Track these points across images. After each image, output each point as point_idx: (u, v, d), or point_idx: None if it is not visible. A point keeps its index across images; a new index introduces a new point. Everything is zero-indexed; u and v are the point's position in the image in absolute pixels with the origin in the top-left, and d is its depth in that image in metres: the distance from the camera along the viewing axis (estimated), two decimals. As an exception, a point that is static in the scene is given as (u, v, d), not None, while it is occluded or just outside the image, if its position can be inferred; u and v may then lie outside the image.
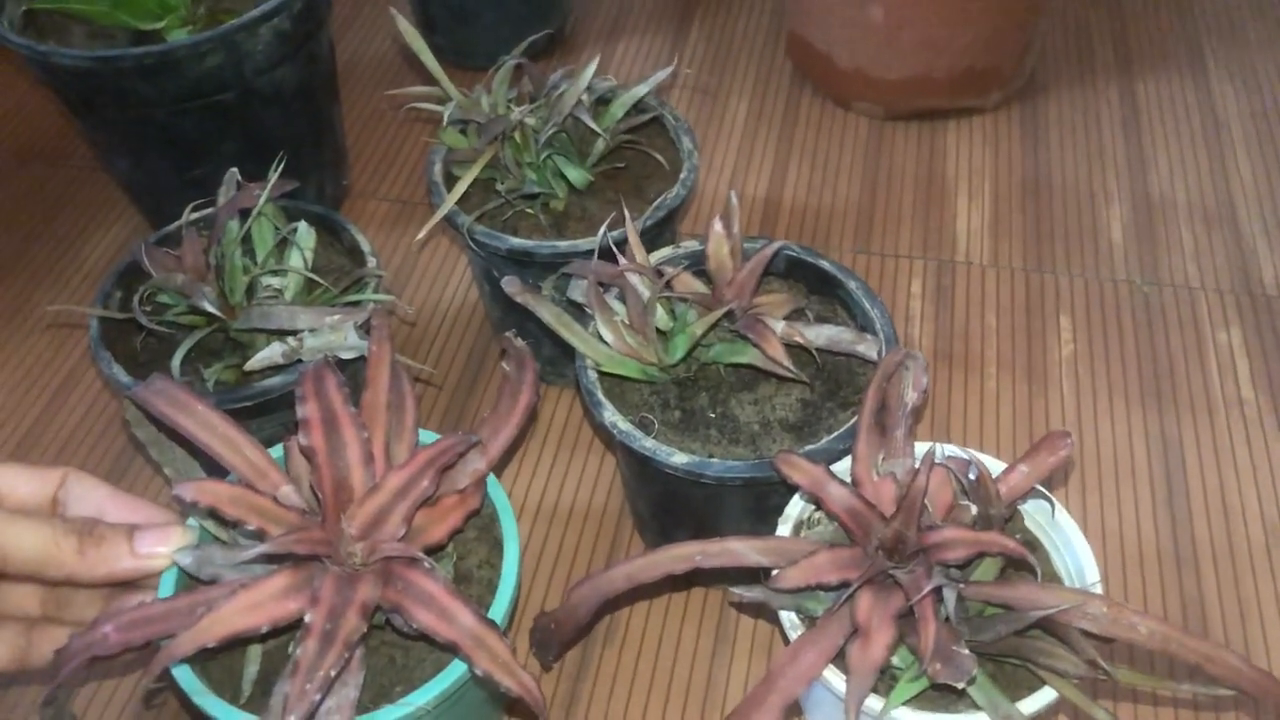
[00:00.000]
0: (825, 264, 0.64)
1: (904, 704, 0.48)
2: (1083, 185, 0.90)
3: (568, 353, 0.62)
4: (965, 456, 0.53)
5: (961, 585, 0.49)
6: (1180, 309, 0.80)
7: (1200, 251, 0.84)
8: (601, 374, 0.60)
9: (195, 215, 0.66)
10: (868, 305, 0.61)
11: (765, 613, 0.64)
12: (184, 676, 0.49)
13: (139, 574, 0.49)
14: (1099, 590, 0.51)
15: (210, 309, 0.61)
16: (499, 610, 0.51)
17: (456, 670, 0.49)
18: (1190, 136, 0.93)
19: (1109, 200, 0.88)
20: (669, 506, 0.63)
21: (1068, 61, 1.01)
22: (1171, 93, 0.97)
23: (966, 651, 0.46)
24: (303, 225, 0.66)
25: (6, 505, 0.50)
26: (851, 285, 0.62)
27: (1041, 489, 0.54)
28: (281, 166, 0.65)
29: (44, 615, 0.52)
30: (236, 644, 0.49)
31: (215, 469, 0.53)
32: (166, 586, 0.52)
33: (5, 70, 1.02)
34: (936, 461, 0.52)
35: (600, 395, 0.59)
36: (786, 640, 0.51)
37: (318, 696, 0.44)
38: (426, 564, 0.49)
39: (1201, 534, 0.67)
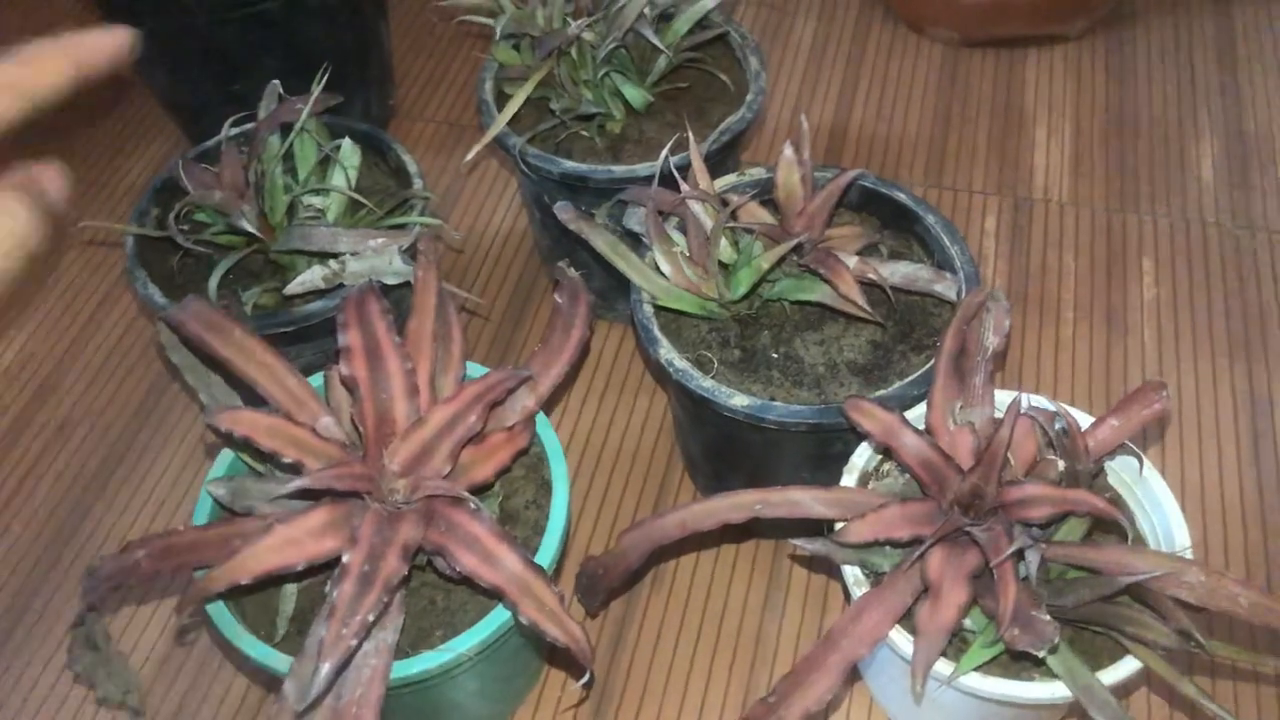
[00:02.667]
0: (902, 196, 0.59)
1: (974, 669, 0.45)
2: (1171, 120, 0.84)
3: (621, 285, 0.58)
4: (1052, 407, 0.49)
5: (1045, 546, 0.45)
6: (1275, 255, 0.75)
7: (1298, 194, 0.78)
8: (658, 308, 0.57)
9: (235, 131, 0.63)
10: (947, 241, 0.57)
11: (823, 566, 0.61)
12: (218, 613, 0.47)
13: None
14: (1190, 556, 0.47)
15: (249, 228, 0.58)
16: (546, 555, 0.48)
17: (500, 617, 0.46)
18: (1290, 70, 0.87)
19: (1199, 137, 0.83)
20: (723, 450, 0.60)
21: (1159, -13, 0.94)
22: (1272, 22, 0.90)
23: (1047, 618, 0.43)
24: (347, 142, 0.63)
25: None
26: (930, 220, 0.58)
27: (1131, 444, 0.50)
28: (325, 80, 0.62)
29: None
30: (271, 581, 0.46)
31: (252, 397, 0.50)
32: (200, 516, 0.50)
33: (44, -22, 0.99)
34: (1020, 412, 0.48)
35: (656, 331, 0.55)
36: (848, 597, 0.48)
37: (354, 641, 0.41)
38: (472, 504, 0.46)
39: (1291, 496, 0.63)
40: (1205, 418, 0.67)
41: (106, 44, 0.34)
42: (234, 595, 0.47)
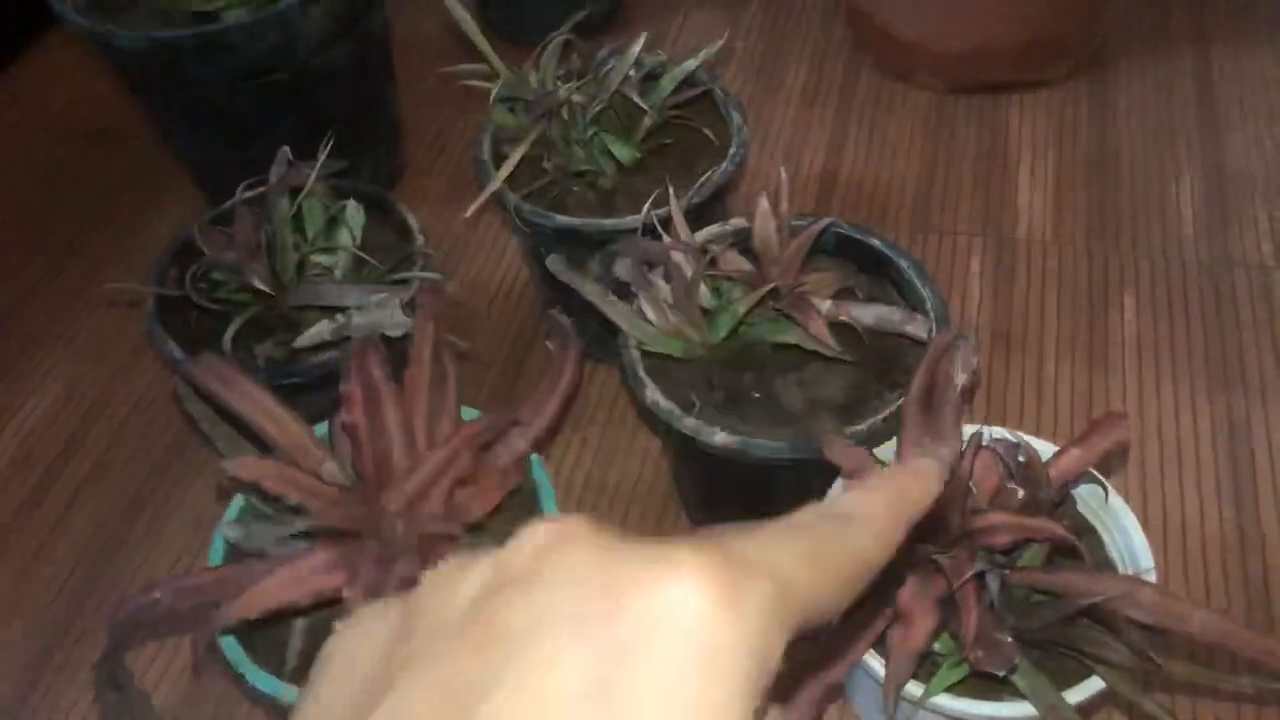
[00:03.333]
0: (875, 242, 0.62)
1: (945, 690, 0.47)
2: (1152, 161, 0.87)
3: (613, 331, 0.61)
4: (1013, 439, 0.51)
5: (1006, 571, 0.48)
6: (1254, 290, 0.77)
7: (1276, 230, 0.81)
8: (644, 353, 0.60)
9: (249, 194, 0.67)
10: (919, 284, 0.60)
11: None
12: (229, 647, 0.50)
13: None
14: (1153, 579, 0.49)
15: (261, 286, 0.62)
16: (538, 588, 0.51)
17: (494, 647, 0.49)
18: (1269, 111, 0.89)
19: (1179, 177, 0.85)
20: (714, 486, 0.63)
21: (1139, 32, 0.97)
22: (1249, 64, 0.93)
23: (1009, 639, 0.45)
24: (351, 203, 0.67)
25: None
26: (903, 264, 0.61)
27: (1094, 473, 0.52)
28: (331, 144, 0.66)
29: None
30: (280, 616, 0.49)
31: (264, 444, 0.54)
32: (215, 557, 0.53)
33: (73, 52, 1.04)
34: (982, 444, 0.50)
35: (643, 373, 0.58)
36: (827, 624, 0.50)
37: (356, 671, 0.44)
38: (465, 540, 0.49)
39: (1270, 524, 0.65)
40: (1185, 450, 0.69)
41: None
42: (245, 631, 0.50)
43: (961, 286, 0.79)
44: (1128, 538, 0.52)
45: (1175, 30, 0.97)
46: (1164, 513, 0.66)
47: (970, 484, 0.49)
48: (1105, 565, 0.52)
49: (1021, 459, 0.50)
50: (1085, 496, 0.54)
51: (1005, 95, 0.92)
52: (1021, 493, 0.49)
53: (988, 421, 0.71)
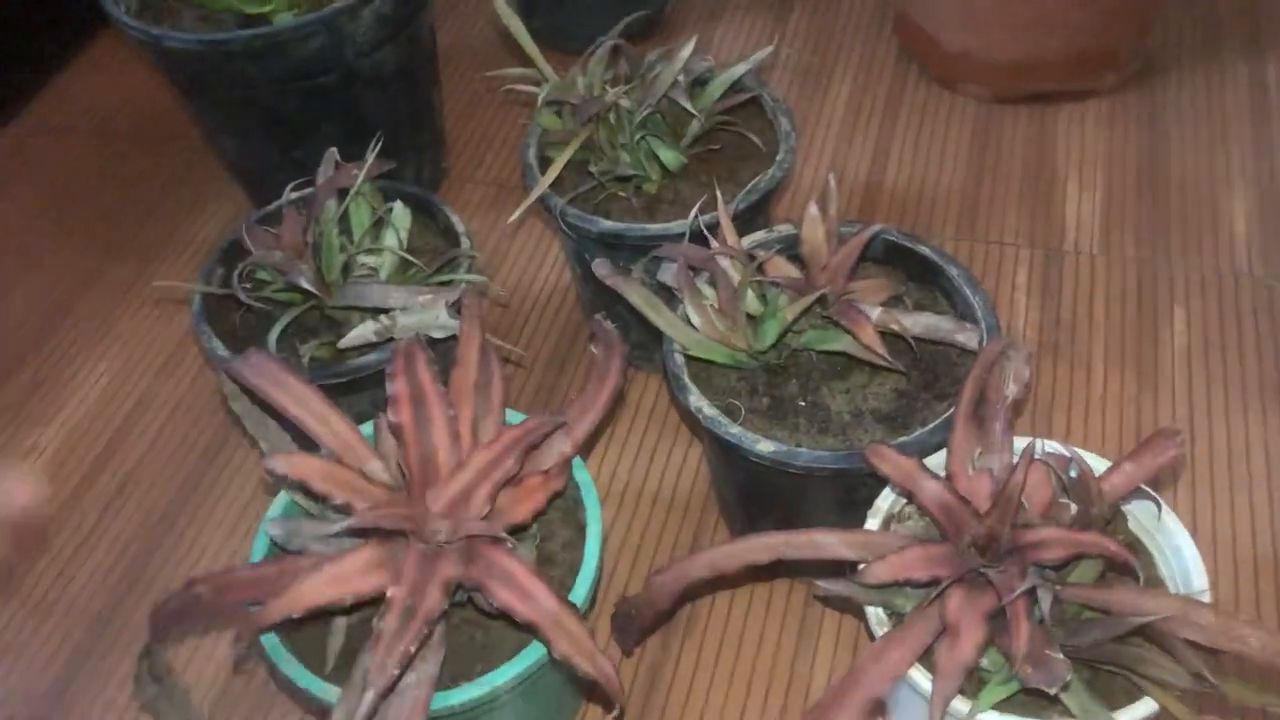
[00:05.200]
0: (925, 249, 0.62)
1: (992, 707, 0.47)
2: (1203, 173, 0.85)
3: (657, 337, 0.61)
4: (1066, 453, 0.50)
5: (1057, 587, 0.47)
6: (1307, 305, 0.75)
7: (1331, 244, 0.79)
8: (689, 358, 0.59)
9: (295, 195, 0.67)
10: (969, 293, 0.59)
11: (851, 607, 0.63)
12: (271, 644, 0.50)
13: None
14: (1207, 598, 0.48)
15: (306, 286, 0.62)
16: (580, 593, 0.51)
17: (535, 652, 0.49)
18: (1324, 122, 0.88)
19: (1232, 189, 0.84)
20: (755, 494, 0.62)
21: (1191, 42, 0.96)
22: (1305, 75, 0.92)
23: (1060, 656, 0.44)
24: (398, 205, 0.67)
25: None
26: (952, 272, 0.60)
27: (1147, 489, 0.51)
28: (379, 147, 0.66)
29: None
30: (322, 615, 0.49)
31: (308, 443, 0.54)
32: (257, 554, 0.53)
33: (123, 54, 1.06)
34: (1035, 457, 0.50)
35: (686, 380, 0.58)
36: (872, 636, 0.50)
37: (397, 671, 0.44)
38: (509, 543, 0.49)
39: (1323, 543, 0.63)
40: (1236, 466, 0.68)
41: None
42: (287, 629, 0.51)
43: (1008, 298, 0.78)
44: (1180, 556, 0.51)
45: (1227, 41, 0.96)
46: (1213, 528, 0.65)
47: (1022, 498, 0.48)
48: (1155, 583, 0.51)
49: (1074, 473, 0.49)
50: (1136, 513, 0.53)
51: (1053, 106, 0.91)
52: (1074, 508, 0.48)
53: (1033, 434, 0.70)
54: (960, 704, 0.46)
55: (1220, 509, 0.65)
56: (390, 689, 0.44)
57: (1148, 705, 0.46)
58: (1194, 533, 0.51)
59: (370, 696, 0.43)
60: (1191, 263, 0.79)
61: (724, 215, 0.59)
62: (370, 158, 0.65)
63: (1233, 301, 0.76)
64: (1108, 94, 0.92)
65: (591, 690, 0.60)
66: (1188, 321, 0.75)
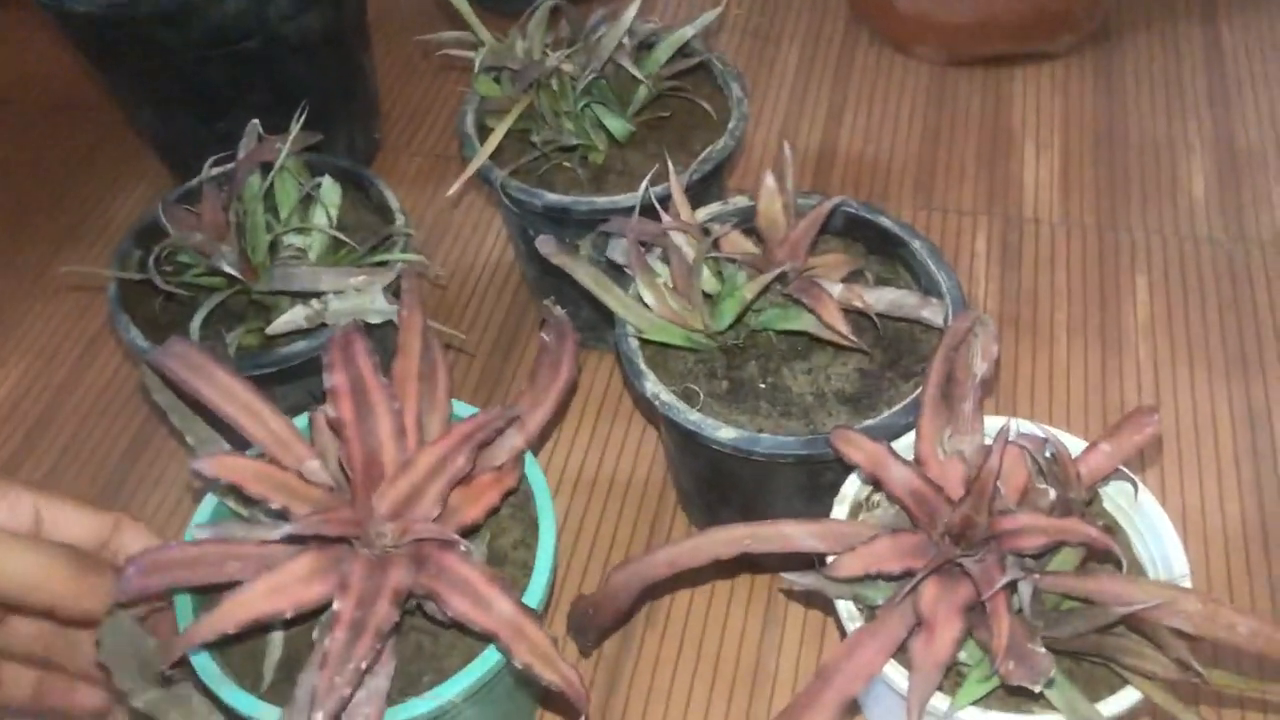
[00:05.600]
0: (886, 221, 0.59)
1: (972, 704, 0.44)
2: (1161, 136, 0.83)
3: (607, 317, 0.58)
4: (1040, 434, 0.48)
5: (1037, 577, 0.44)
6: (1269, 269, 0.74)
7: (1290, 207, 0.78)
8: (643, 341, 0.56)
9: (217, 170, 0.62)
10: (933, 267, 0.57)
11: (820, 600, 0.60)
12: (202, 664, 0.46)
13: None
14: (1188, 583, 0.46)
15: (229, 269, 0.58)
16: (534, 595, 0.47)
17: (489, 660, 0.46)
18: None
19: (1190, 151, 0.82)
20: (715, 482, 0.59)
21: (1146, 2, 0.94)
22: (1260, 35, 0.90)
23: (1043, 650, 0.42)
24: (327, 180, 0.63)
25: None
26: (915, 245, 0.58)
27: (1125, 471, 0.49)
28: (304, 118, 0.62)
29: (49, 658, 0.49)
30: (257, 630, 0.46)
31: (238, 439, 0.50)
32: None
33: (28, 21, 0.99)
34: (1010, 439, 0.47)
35: (641, 364, 0.55)
36: (843, 631, 0.47)
37: (348, 690, 0.41)
38: (462, 547, 0.45)
39: (1292, 515, 0.62)
40: (1204, 438, 0.66)
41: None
42: (219, 645, 0.47)
43: (967, 268, 0.76)
44: (1158, 538, 0.49)
45: (1181, 2, 0.94)
46: (1183, 504, 0.63)
47: (997, 483, 0.46)
48: (1134, 567, 0.49)
49: (1050, 455, 0.47)
50: (1111, 493, 0.51)
51: (1008, 68, 0.89)
52: (1052, 492, 0.46)
53: (997, 411, 0.68)
54: (939, 700, 0.44)
55: (1189, 483, 0.64)
56: (341, 710, 0.41)
57: (1131, 696, 0.44)
58: (1166, 511, 0.49)
59: (320, 719, 0.40)
60: (1152, 228, 0.77)
61: (676, 187, 0.56)
62: (295, 129, 0.61)
63: (1195, 267, 0.75)
64: (1063, 56, 0.90)
65: (548, 696, 0.57)
66: (1149, 289, 0.74)
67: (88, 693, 0.49)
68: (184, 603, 0.48)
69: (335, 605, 0.43)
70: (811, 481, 0.55)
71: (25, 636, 0.48)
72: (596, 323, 0.68)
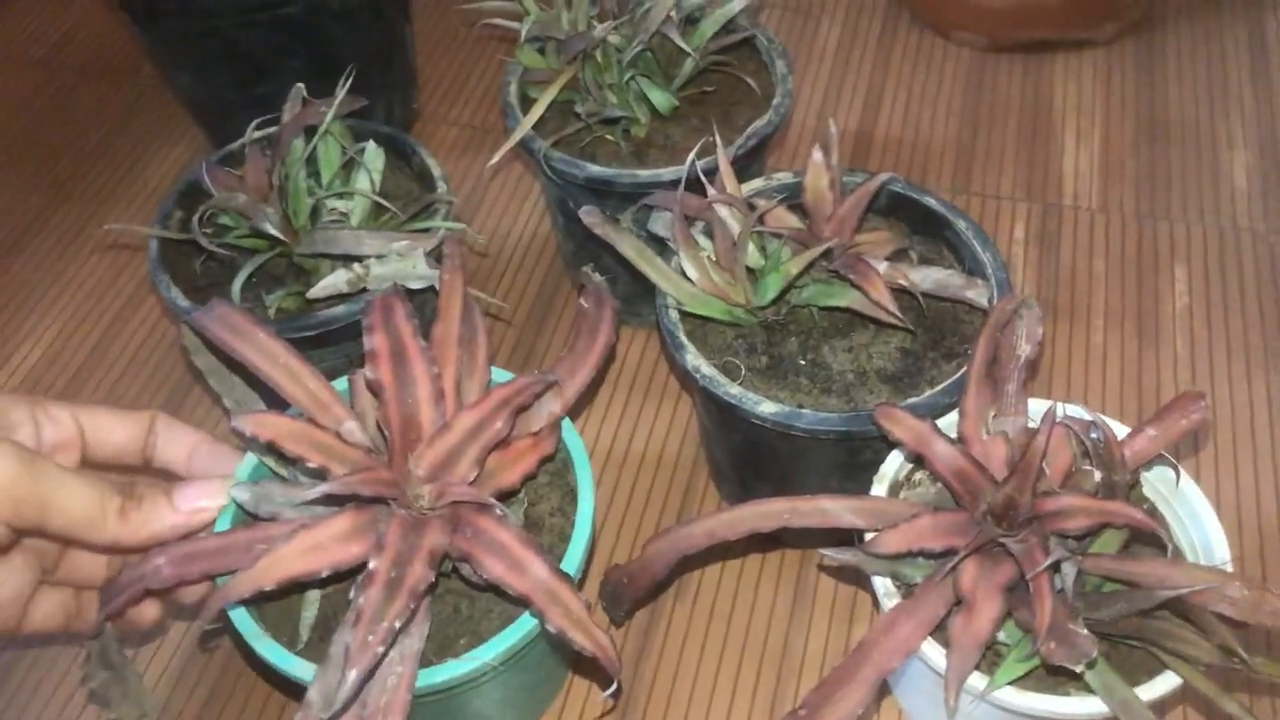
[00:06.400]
0: (931, 201, 0.59)
1: (1009, 683, 0.44)
2: (1203, 126, 0.83)
3: (646, 290, 0.58)
4: (1087, 416, 0.48)
5: (1081, 558, 0.44)
6: (1310, 262, 0.73)
7: (1333, 201, 0.77)
8: (684, 314, 0.56)
9: (259, 134, 0.62)
10: (978, 248, 0.56)
11: (851, 577, 0.60)
12: (240, 619, 0.46)
13: (184, 531, 0.47)
14: (1230, 569, 0.46)
15: (272, 231, 0.58)
16: (572, 562, 0.48)
17: (525, 625, 0.46)
18: (1324, 75, 0.85)
19: (1232, 143, 0.81)
20: (751, 458, 0.59)
21: (1190, -9, 0.93)
22: (1305, 27, 0.89)
23: (1085, 632, 0.42)
24: (370, 145, 0.63)
25: (100, 454, 0.48)
26: (960, 225, 0.57)
27: (1166, 455, 0.49)
28: (349, 84, 0.61)
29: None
30: (294, 588, 0.46)
31: (276, 401, 0.50)
32: (223, 523, 0.49)
33: (70, -18, 0.99)
34: (1056, 420, 0.47)
35: (682, 337, 0.55)
36: (878, 608, 0.47)
37: (381, 648, 0.41)
38: (498, 510, 0.45)
39: (1329, 508, 0.62)
40: (1240, 427, 0.66)
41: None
42: (256, 602, 0.47)
43: (1005, 252, 0.75)
44: (1200, 524, 0.49)
45: (1226, -9, 0.93)
46: (1217, 494, 0.63)
47: (1042, 464, 0.45)
48: (1176, 554, 0.49)
49: (1096, 438, 0.47)
50: (1152, 480, 0.51)
51: (1049, 55, 0.88)
52: (1097, 474, 0.46)
53: (1031, 394, 0.68)
54: (976, 680, 0.44)
55: (1224, 471, 0.64)
56: (375, 667, 0.41)
57: (1170, 680, 0.44)
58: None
59: (354, 675, 0.40)
60: (1192, 217, 0.77)
61: (724, 161, 0.56)
62: (340, 94, 0.61)
63: (1235, 257, 0.74)
64: (1105, 44, 0.89)
65: (579, 662, 0.57)
66: (1189, 279, 0.73)
67: (149, 606, 0.50)
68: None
69: (371, 564, 0.43)
70: (850, 459, 0.54)
71: (88, 564, 0.49)
72: (632, 297, 0.68)
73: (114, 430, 0.49)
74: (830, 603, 0.60)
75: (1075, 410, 0.49)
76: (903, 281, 0.53)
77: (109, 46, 0.95)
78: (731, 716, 0.56)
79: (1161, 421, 0.48)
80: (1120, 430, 0.49)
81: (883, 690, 0.56)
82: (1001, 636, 0.46)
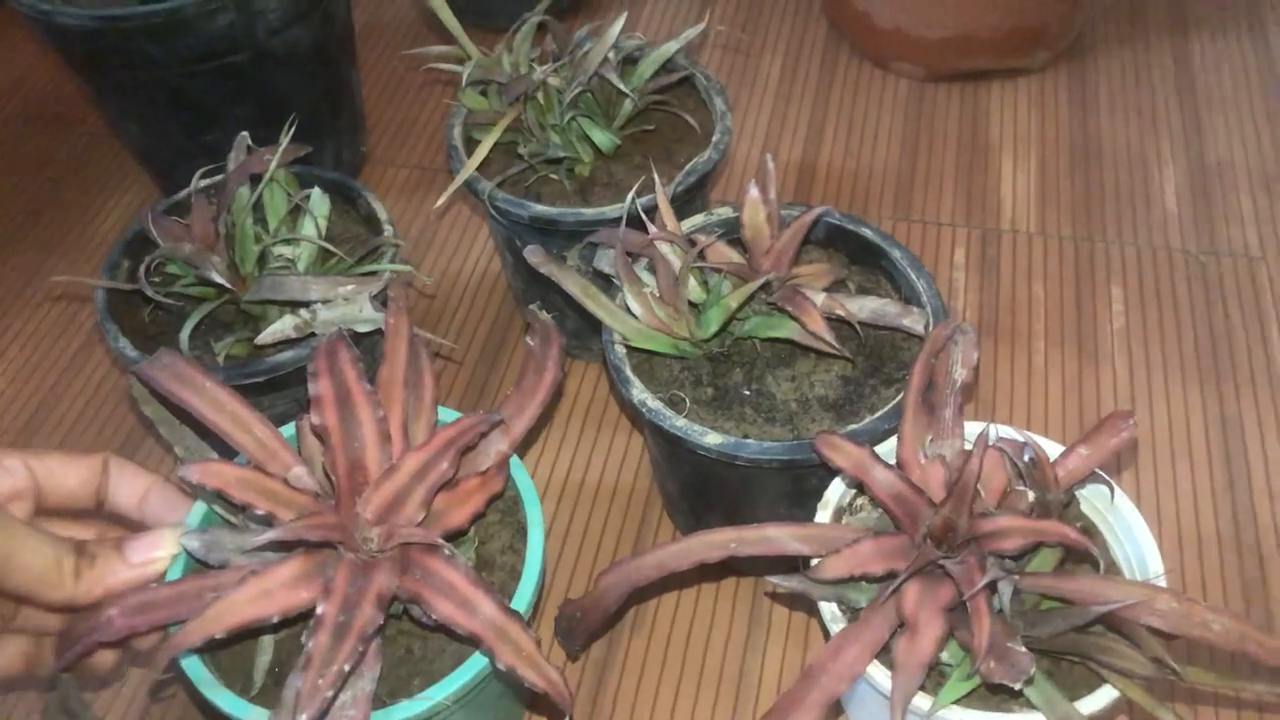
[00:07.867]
0: (867, 231, 0.60)
1: (954, 702, 0.45)
2: (1134, 150, 0.85)
3: (595, 325, 0.59)
4: (1020, 438, 0.49)
5: (1017, 577, 0.45)
6: (1239, 279, 0.76)
7: (1260, 218, 0.80)
8: (630, 349, 0.57)
9: (205, 182, 0.63)
10: (913, 276, 0.58)
11: (803, 603, 0.61)
12: (193, 668, 0.47)
13: (137, 584, 0.47)
14: (1163, 583, 0.47)
15: (219, 279, 0.58)
16: (523, 600, 0.48)
17: (477, 664, 0.46)
18: (1248, 98, 0.88)
19: (1162, 165, 0.84)
20: (700, 488, 0.60)
21: (1118, 20, 0.96)
22: (1229, 52, 0.92)
23: (1023, 649, 0.43)
24: (316, 191, 0.63)
25: (54, 500, 0.48)
26: (895, 254, 0.59)
27: (1101, 473, 0.50)
28: (294, 130, 0.62)
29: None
30: (247, 634, 0.46)
31: (226, 448, 0.50)
32: (175, 571, 0.49)
33: (14, 33, 0.99)
34: (990, 443, 0.48)
35: (628, 372, 0.55)
36: (826, 633, 0.48)
37: (331, 692, 0.41)
38: (447, 551, 0.46)
39: (1265, 519, 0.64)
40: (1178, 442, 0.67)
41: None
42: (209, 649, 0.47)
43: (946, 278, 0.77)
44: (1134, 539, 0.50)
45: (1154, 19, 0.96)
46: (1158, 508, 0.64)
47: (978, 486, 0.47)
48: (1111, 568, 0.50)
49: (1028, 458, 0.48)
50: (1089, 497, 0.52)
51: (985, 84, 0.91)
52: (1030, 494, 0.47)
53: (976, 417, 0.69)
54: (921, 700, 0.45)
55: (1164, 487, 0.65)
56: (326, 711, 0.41)
57: (1108, 694, 0.45)
58: (1142, 513, 0.50)
59: (303, 721, 0.40)
60: (1126, 239, 0.79)
61: (662, 198, 0.57)
62: (285, 141, 0.62)
63: (1168, 277, 0.76)
64: (1039, 71, 0.91)
65: (535, 700, 0.57)
66: (1125, 299, 0.75)
67: (105, 654, 0.50)
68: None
69: (319, 608, 0.43)
70: (795, 487, 0.55)
71: (45, 611, 0.49)
72: (581, 331, 0.69)
73: (67, 476, 0.49)
74: (785, 627, 0.61)
75: (1009, 432, 0.50)
76: (840, 312, 0.54)
77: (56, 96, 0.95)
78: (689, 746, 0.57)
79: (1092, 441, 0.49)
80: (1054, 450, 0.50)
81: (836, 711, 0.56)
82: (945, 657, 0.46)
